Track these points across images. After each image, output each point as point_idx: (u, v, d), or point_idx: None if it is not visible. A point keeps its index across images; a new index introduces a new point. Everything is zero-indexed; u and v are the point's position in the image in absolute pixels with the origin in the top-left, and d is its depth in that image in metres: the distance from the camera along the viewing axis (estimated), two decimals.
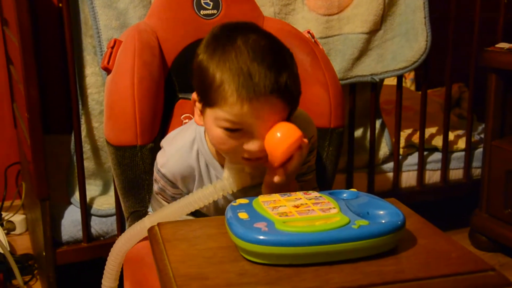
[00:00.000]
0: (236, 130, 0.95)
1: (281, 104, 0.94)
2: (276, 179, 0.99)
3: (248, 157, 0.98)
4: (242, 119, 0.93)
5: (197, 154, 1.08)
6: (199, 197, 1.02)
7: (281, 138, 0.94)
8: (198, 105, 1.01)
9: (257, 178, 1.04)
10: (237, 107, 0.92)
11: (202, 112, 1.00)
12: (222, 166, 1.06)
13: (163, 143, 1.13)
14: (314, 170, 1.19)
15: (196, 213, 1.13)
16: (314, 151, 1.16)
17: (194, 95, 1.02)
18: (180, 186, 1.10)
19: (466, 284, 0.75)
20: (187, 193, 1.09)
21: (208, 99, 0.95)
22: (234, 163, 1.02)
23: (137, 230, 1.05)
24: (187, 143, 1.08)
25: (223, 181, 1.02)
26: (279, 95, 0.92)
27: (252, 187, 1.07)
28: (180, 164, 1.08)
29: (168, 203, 1.12)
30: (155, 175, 1.13)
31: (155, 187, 1.15)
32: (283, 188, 1.00)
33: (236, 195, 1.06)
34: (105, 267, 1.11)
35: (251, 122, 0.94)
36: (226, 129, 0.95)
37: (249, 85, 0.90)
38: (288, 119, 0.97)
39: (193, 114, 1.15)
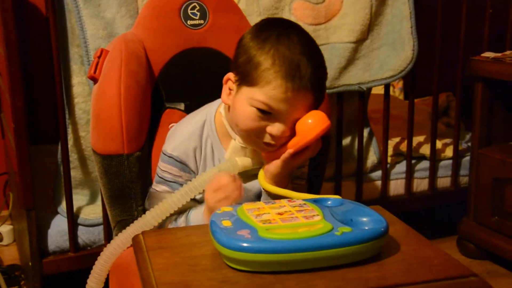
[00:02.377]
0: (267, 113, 1.01)
1: (313, 100, 1.03)
2: (288, 152, 1.05)
3: (268, 141, 1.04)
4: (278, 104, 1.00)
5: (206, 136, 1.13)
6: (204, 180, 1.05)
7: (314, 124, 1.03)
8: (231, 84, 1.07)
9: (256, 163, 1.11)
10: (279, 91, 0.99)
11: (235, 91, 1.05)
12: (226, 150, 1.12)
13: (171, 131, 1.18)
14: (306, 180, 1.20)
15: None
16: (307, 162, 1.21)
17: (229, 75, 1.08)
18: (192, 166, 1.13)
19: None
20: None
21: (250, 79, 1.02)
22: (248, 144, 1.08)
23: (135, 228, 1.05)
24: (198, 127, 1.14)
25: (226, 163, 1.07)
26: (315, 93, 1.02)
27: (252, 175, 1.13)
28: (191, 143, 1.13)
29: None
30: (164, 166, 1.14)
31: (160, 188, 1.15)
32: (281, 178, 1.08)
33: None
34: (94, 266, 1.10)
35: (284, 109, 1.00)
36: (259, 109, 1.01)
37: (296, 75, 0.98)
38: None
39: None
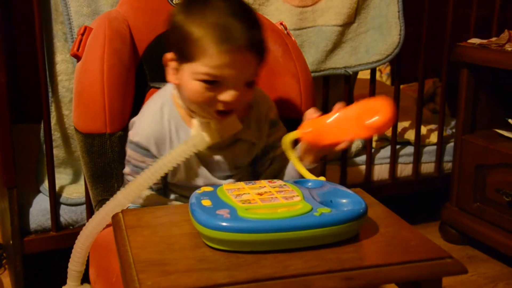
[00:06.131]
0: (213, 82, 1.00)
1: (255, 58, 1.01)
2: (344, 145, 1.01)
3: (222, 109, 1.03)
4: (220, 70, 0.99)
5: (167, 119, 1.12)
6: (173, 157, 1.04)
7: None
8: (173, 64, 1.06)
9: (224, 135, 1.09)
10: (216, 58, 0.97)
11: (178, 70, 1.05)
12: (191, 129, 1.10)
13: (133, 119, 1.16)
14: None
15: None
16: (280, 124, 1.20)
17: (167, 55, 1.06)
18: (155, 152, 1.11)
19: (423, 271, 0.77)
20: None
21: (186, 54, 1.01)
22: (206, 117, 1.06)
23: (109, 209, 1.04)
24: (157, 110, 1.12)
25: (194, 138, 1.06)
26: (254, 49, 1.00)
27: (222, 148, 1.12)
28: (153, 128, 1.11)
29: None
30: (128, 152, 1.13)
31: (129, 167, 1.14)
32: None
33: (206, 156, 1.12)
34: (73, 250, 1.10)
35: (227, 73, 0.99)
36: (204, 81, 1.00)
37: (228, 37, 0.97)
38: (257, 74, 1.04)
39: None
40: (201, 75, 1.00)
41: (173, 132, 1.12)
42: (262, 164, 1.20)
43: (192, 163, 1.13)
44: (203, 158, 1.13)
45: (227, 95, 1.01)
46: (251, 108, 1.15)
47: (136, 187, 1.03)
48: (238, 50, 0.98)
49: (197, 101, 1.04)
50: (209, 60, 0.98)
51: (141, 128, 1.12)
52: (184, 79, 1.03)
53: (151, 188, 1.11)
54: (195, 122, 1.09)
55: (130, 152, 1.13)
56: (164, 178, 1.13)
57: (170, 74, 1.08)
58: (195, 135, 1.07)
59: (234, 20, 0.98)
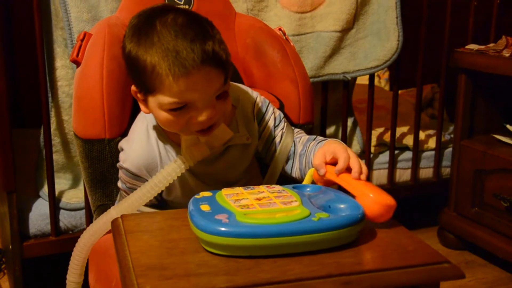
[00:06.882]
0: (181, 108, 0.98)
1: (214, 71, 0.97)
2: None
3: (201, 129, 1.01)
4: (183, 96, 0.96)
5: (155, 140, 1.10)
6: (164, 176, 1.03)
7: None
8: (140, 96, 1.04)
9: (215, 147, 1.07)
10: (175, 85, 0.94)
11: (145, 101, 1.03)
12: (179, 145, 1.09)
13: (121, 143, 1.14)
14: (284, 119, 1.20)
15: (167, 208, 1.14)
16: (270, 108, 1.18)
17: (132, 88, 1.05)
18: (146, 176, 1.10)
19: (421, 276, 0.77)
20: None
21: (147, 87, 0.98)
22: (191, 136, 1.05)
23: (103, 222, 1.05)
24: (142, 133, 1.11)
25: (183, 155, 1.05)
26: (210, 63, 0.95)
27: (214, 159, 1.11)
28: (141, 154, 1.09)
29: None
30: (120, 174, 1.13)
31: (123, 187, 1.14)
32: None
33: (200, 170, 1.10)
34: (70, 262, 1.10)
35: (192, 97, 0.96)
36: (171, 110, 0.98)
37: (179, 61, 0.93)
38: (226, 82, 1.00)
39: None
40: (167, 105, 0.97)
41: (162, 152, 1.10)
42: (269, 157, 1.18)
43: (186, 180, 1.12)
44: (197, 173, 1.12)
45: (201, 117, 0.98)
46: (234, 108, 1.13)
47: (128, 206, 1.03)
48: (194, 70, 0.94)
49: (173, 129, 1.02)
50: (169, 90, 0.95)
51: (130, 154, 1.10)
52: (153, 110, 1.01)
53: (145, 204, 1.10)
54: (183, 138, 1.07)
55: (121, 174, 1.13)
56: (160, 194, 1.12)
57: (142, 106, 1.06)
58: (184, 152, 1.06)
59: (182, 41, 0.94)
